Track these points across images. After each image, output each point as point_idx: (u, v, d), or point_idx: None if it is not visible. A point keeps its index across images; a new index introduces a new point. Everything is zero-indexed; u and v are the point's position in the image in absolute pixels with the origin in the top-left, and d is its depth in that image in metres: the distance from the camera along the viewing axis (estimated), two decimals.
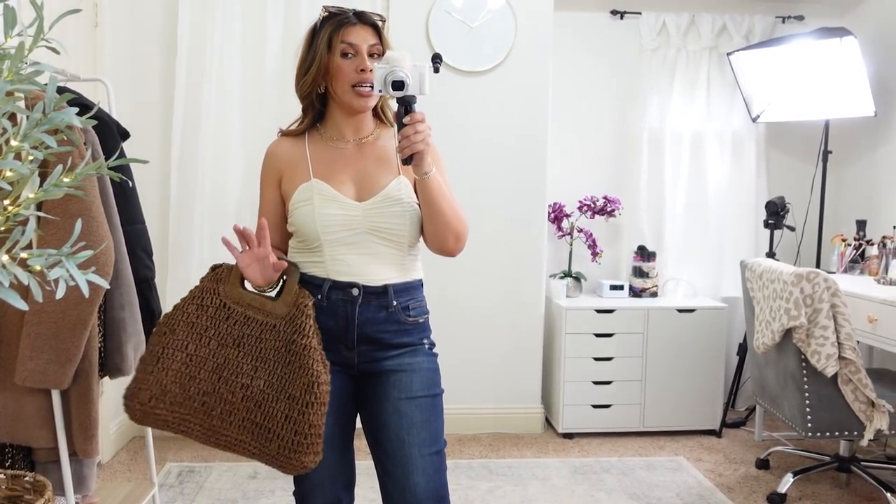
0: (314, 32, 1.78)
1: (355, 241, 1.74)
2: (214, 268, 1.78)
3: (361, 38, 1.74)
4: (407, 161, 1.63)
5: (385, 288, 1.76)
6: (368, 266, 1.75)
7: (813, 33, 3.83)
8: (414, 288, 1.82)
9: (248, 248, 1.67)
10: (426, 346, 1.83)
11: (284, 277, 1.75)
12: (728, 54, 4.16)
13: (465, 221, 1.77)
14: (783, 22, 4.29)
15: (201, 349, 1.69)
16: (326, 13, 1.78)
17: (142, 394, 1.69)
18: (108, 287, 1.55)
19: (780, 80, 4.05)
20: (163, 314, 1.76)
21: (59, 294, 1.19)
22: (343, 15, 1.76)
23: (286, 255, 1.86)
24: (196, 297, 1.74)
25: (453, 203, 1.75)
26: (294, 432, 1.62)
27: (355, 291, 1.74)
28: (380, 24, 1.79)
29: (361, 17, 1.77)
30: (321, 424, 1.64)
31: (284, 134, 1.87)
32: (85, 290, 1.22)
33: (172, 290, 3.61)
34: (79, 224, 1.32)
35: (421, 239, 1.82)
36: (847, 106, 3.84)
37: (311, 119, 1.84)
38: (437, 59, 1.67)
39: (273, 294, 1.74)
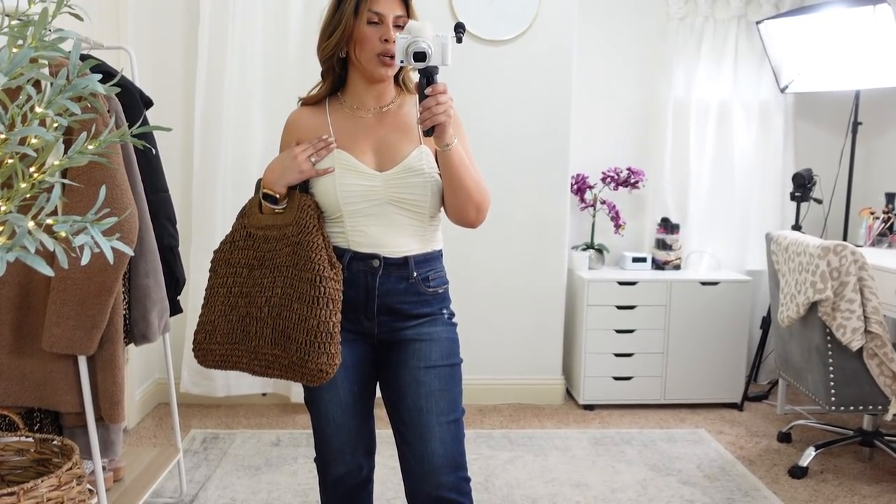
0: None
1: (376, 212, 1.74)
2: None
3: (389, 7, 1.72)
4: (428, 133, 1.62)
5: (406, 259, 1.76)
6: (389, 237, 1.75)
7: (845, 1, 3.74)
8: (434, 259, 1.82)
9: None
10: (445, 316, 1.83)
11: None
12: (757, 23, 4.07)
13: (486, 193, 1.76)
14: None
15: (237, 279, 1.79)
16: None
17: (198, 335, 1.81)
18: (132, 254, 1.56)
19: (810, 50, 3.97)
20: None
21: (85, 260, 1.20)
22: None
23: None
24: (229, 237, 1.84)
25: (475, 174, 1.73)
26: (306, 332, 1.66)
27: (376, 263, 1.74)
28: None
29: None
30: (331, 322, 1.67)
31: (305, 103, 1.86)
32: (110, 257, 1.23)
33: (196, 258, 3.64)
34: (103, 191, 1.33)
35: (442, 209, 1.81)
36: (879, 76, 3.76)
37: (329, 84, 1.82)
38: (459, 29, 1.64)
39: (282, 208, 1.79)
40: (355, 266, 1.75)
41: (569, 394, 4.13)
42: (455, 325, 1.85)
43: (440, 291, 1.82)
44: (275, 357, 1.72)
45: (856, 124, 4.00)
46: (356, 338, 1.79)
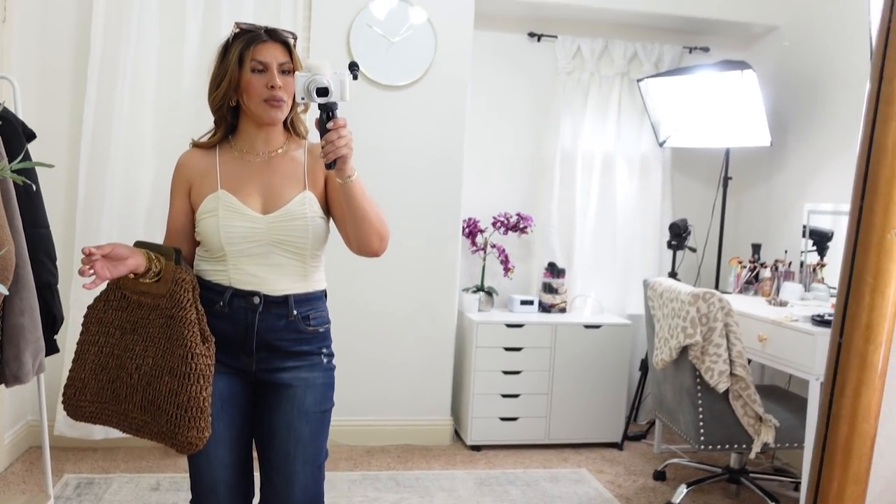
0: (226, 48, 1.80)
1: (258, 252, 1.79)
2: None
3: (272, 55, 1.77)
4: (330, 166, 1.65)
5: (286, 298, 1.81)
6: (270, 276, 1.80)
7: (716, 65, 4.02)
8: (316, 298, 1.87)
9: (97, 261, 1.62)
10: (324, 360, 1.87)
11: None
12: (638, 80, 4.32)
13: (386, 223, 1.82)
14: (690, 52, 4.49)
15: (109, 340, 1.79)
16: (238, 30, 1.80)
17: (68, 391, 1.81)
18: (6, 293, 1.52)
19: (685, 108, 4.24)
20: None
21: None
22: (254, 32, 1.79)
23: (192, 263, 1.89)
24: (103, 295, 1.83)
25: (375, 206, 1.79)
26: (177, 405, 1.68)
27: (256, 300, 1.79)
28: (291, 41, 1.82)
29: (273, 35, 1.80)
30: (202, 397, 1.68)
31: (196, 145, 1.88)
32: None
33: (77, 296, 3.51)
34: None
35: (324, 250, 1.87)
36: (746, 135, 4.05)
37: (223, 132, 1.86)
38: (353, 67, 1.70)
39: (154, 279, 1.77)
40: (236, 303, 1.79)
41: (457, 434, 4.18)
42: (333, 367, 1.90)
43: (321, 330, 1.87)
44: (144, 423, 1.73)
45: (726, 179, 4.28)
46: (233, 372, 1.82)
